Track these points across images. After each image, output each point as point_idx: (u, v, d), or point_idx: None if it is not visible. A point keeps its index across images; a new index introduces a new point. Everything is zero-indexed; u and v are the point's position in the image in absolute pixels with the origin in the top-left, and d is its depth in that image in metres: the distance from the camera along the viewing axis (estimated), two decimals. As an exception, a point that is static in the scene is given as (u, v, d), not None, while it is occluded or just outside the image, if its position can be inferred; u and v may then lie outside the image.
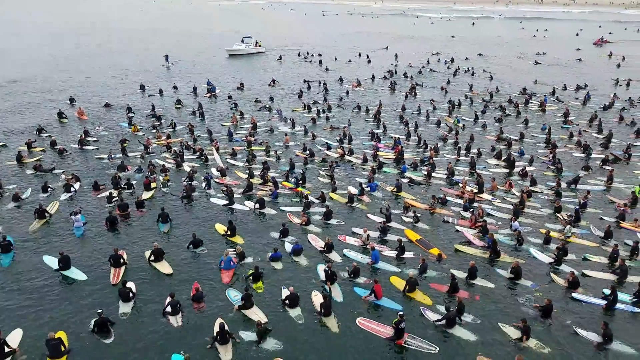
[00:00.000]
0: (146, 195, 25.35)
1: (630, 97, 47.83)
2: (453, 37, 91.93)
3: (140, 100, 46.60)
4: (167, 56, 65.59)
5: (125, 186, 26.17)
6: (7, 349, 13.92)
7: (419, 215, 23.30)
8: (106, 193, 25.03)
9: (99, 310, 15.27)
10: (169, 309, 15.82)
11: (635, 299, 16.73)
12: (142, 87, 50.97)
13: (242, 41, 79.01)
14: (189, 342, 14.75)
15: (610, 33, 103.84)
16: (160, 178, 27.33)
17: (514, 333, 15.15)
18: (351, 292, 17.41)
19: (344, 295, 17.19)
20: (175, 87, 51.45)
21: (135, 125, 37.28)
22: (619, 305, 16.54)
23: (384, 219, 22.66)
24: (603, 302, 16.73)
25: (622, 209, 23.79)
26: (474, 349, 14.51)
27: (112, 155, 30.65)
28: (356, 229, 22.09)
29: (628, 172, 29.50)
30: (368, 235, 20.95)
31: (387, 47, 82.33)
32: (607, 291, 17.01)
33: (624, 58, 70.02)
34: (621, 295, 16.89)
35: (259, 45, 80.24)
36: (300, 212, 23.74)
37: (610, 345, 14.61)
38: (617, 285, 17.45)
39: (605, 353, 14.51)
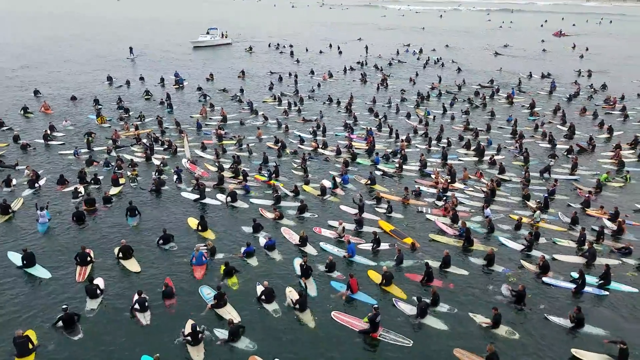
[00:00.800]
0: (114, 190, 24.68)
1: (592, 84, 49.71)
2: (423, 28, 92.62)
3: (108, 92, 45.49)
4: (131, 48, 64.02)
5: (92, 181, 25.42)
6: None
7: (392, 206, 23.38)
8: (71, 188, 24.29)
9: (64, 306, 14.86)
10: (137, 306, 15.43)
11: (601, 282, 17.19)
12: (110, 78, 49.85)
13: (208, 32, 77.82)
14: (157, 340, 14.38)
15: (573, 25, 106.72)
16: (128, 173, 26.69)
17: (482, 318, 15.34)
18: (327, 287, 17.28)
19: (319, 290, 17.04)
20: (142, 79, 50.53)
21: (102, 117, 36.31)
22: (587, 289, 16.93)
23: (358, 211, 22.69)
24: (572, 286, 17.11)
25: (586, 196, 24.43)
26: (447, 340, 14.56)
27: (78, 151, 29.74)
28: (332, 222, 21.99)
29: (592, 162, 30.26)
30: (343, 227, 20.87)
31: (359, 39, 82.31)
32: (576, 275, 17.41)
33: (587, 49, 71.76)
34: (589, 278, 17.28)
35: (225, 37, 79.04)
36: (271, 205, 23.53)
37: (581, 329, 14.90)
38: (585, 269, 17.89)
39: (576, 337, 14.78)
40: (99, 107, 39.53)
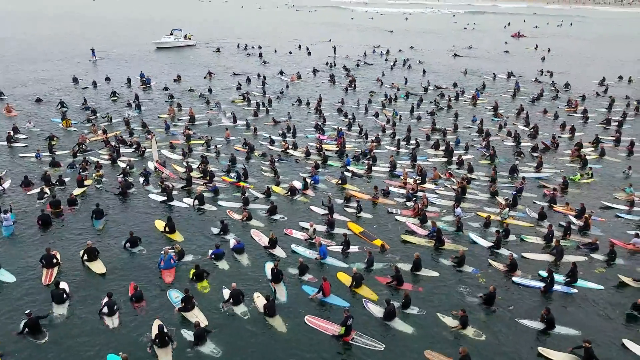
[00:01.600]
0: (78, 191, 24.11)
1: (553, 82, 51.50)
2: (392, 32, 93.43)
3: (74, 93, 44.37)
4: (93, 50, 62.04)
5: (57, 182, 24.77)
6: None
7: (361, 205, 23.45)
8: (37, 190, 23.72)
9: (27, 311, 14.46)
10: (105, 309, 15.11)
11: (568, 279, 17.57)
12: (75, 79, 48.67)
13: (171, 33, 76.58)
14: (126, 342, 14.16)
15: (536, 27, 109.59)
16: (93, 174, 26.05)
17: (451, 322, 15.46)
18: (299, 291, 17.13)
19: (290, 294, 16.86)
20: (108, 79, 49.51)
21: (68, 120, 35.33)
22: (555, 287, 17.25)
23: (328, 212, 22.69)
24: (541, 285, 17.41)
25: (551, 193, 25.02)
26: (418, 343, 14.61)
27: (40, 154, 28.88)
28: (303, 224, 21.89)
29: (556, 160, 31.00)
30: (314, 229, 20.79)
31: (329, 40, 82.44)
32: (545, 274, 17.76)
33: (549, 50, 73.59)
34: (557, 277, 17.60)
35: (189, 38, 77.92)
36: (240, 207, 23.31)
37: (552, 330, 15.13)
38: (553, 266, 18.23)
39: (543, 336, 15.02)
40: (65, 109, 38.47)
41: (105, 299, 15.37)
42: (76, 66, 56.35)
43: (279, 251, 19.53)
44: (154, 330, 14.11)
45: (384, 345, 14.39)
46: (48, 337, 14.20)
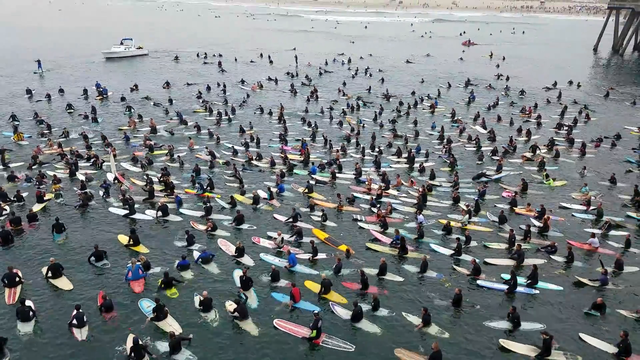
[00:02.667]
0: (38, 207, 23.45)
1: (507, 86, 53.93)
2: (353, 42, 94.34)
3: (27, 106, 42.95)
4: (39, 61, 59.18)
5: (15, 199, 23.99)
6: None
7: (326, 213, 23.68)
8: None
9: None
10: (74, 321, 14.89)
11: (529, 281, 18.27)
12: (29, 91, 46.92)
13: (121, 43, 74.19)
14: (97, 356, 14.01)
15: (490, 34, 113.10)
16: (51, 188, 25.45)
17: (415, 320, 15.94)
18: (268, 297, 17.29)
19: (260, 300, 17.04)
20: (62, 91, 47.99)
21: (19, 134, 34.18)
22: (518, 289, 17.93)
23: (291, 219, 22.85)
24: (505, 287, 18.05)
25: (511, 195, 25.85)
26: (387, 343, 15.00)
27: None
28: (270, 233, 21.98)
29: (515, 162, 32.14)
30: (282, 238, 20.92)
31: (294, 48, 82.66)
32: (507, 276, 18.42)
33: (504, 58, 75.96)
34: (519, 279, 18.29)
35: (141, 48, 75.75)
36: (201, 216, 23.34)
37: (518, 328, 15.73)
38: (516, 270, 18.83)
39: (505, 332, 15.66)
40: (17, 123, 37.21)
41: (74, 312, 15.13)
42: (23, 79, 54.23)
43: (246, 259, 19.58)
44: (129, 344, 13.94)
45: (354, 346, 14.71)
46: (9, 356, 13.84)
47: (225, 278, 18.42)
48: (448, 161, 31.89)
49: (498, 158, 31.83)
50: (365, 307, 16.37)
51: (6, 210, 22.75)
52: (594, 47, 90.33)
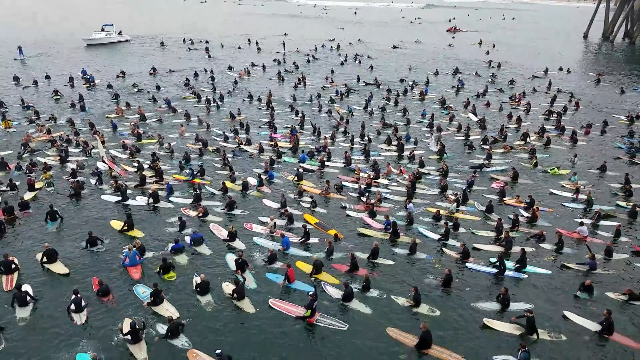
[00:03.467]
0: (30, 195, 23.45)
1: (493, 73, 54.16)
2: (342, 29, 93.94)
3: (14, 93, 42.59)
4: (20, 47, 58.14)
5: (8, 187, 23.91)
6: None
7: (315, 200, 24.00)
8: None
9: None
10: (72, 306, 15.15)
11: (518, 265, 18.75)
12: (16, 78, 46.57)
13: (102, 29, 72.54)
14: (95, 340, 14.22)
15: (480, 19, 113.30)
16: (41, 176, 25.43)
17: (405, 302, 16.39)
18: (264, 279, 17.65)
19: (256, 281, 17.41)
20: (48, 77, 47.53)
21: (7, 121, 33.88)
22: (507, 272, 18.40)
23: (279, 205, 23.20)
24: (494, 270, 18.52)
25: (501, 185, 26.10)
26: (379, 322, 15.47)
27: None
28: (263, 218, 22.25)
29: (505, 151, 32.21)
30: (275, 223, 21.22)
31: (285, 34, 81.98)
32: (495, 260, 18.86)
33: (494, 45, 75.73)
34: (507, 264, 18.73)
35: (122, 34, 74.15)
36: (190, 203, 23.58)
37: (508, 309, 16.22)
38: (504, 256, 19.19)
39: (493, 312, 16.18)
40: (4, 110, 36.89)
41: (73, 297, 15.35)
42: (4, 64, 53.66)
43: (238, 243, 19.92)
44: (126, 328, 14.19)
45: (347, 325, 15.14)
46: (3, 343, 14.04)
47: (218, 260, 18.78)
48: (433, 149, 32.07)
49: (487, 147, 31.92)
50: (355, 287, 16.80)
51: None
52: (584, 34, 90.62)
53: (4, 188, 23.95)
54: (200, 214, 22.16)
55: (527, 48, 75.88)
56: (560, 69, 58.37)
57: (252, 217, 22.51)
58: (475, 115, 39.88)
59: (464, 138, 34.61)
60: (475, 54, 69.82)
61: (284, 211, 22.74)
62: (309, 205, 23.73)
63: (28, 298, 15.58)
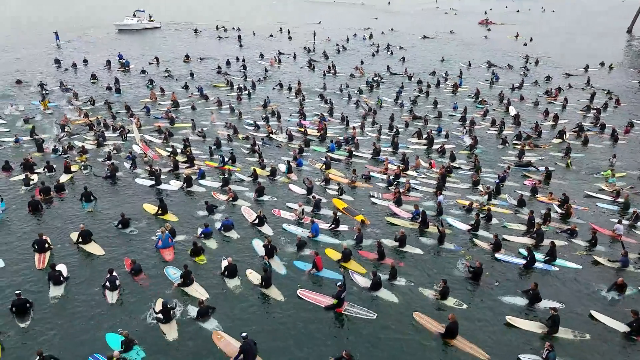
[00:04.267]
0: (65, 177, 24.16)
1: (525, 66, 52.34)
2: (376, 18, 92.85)
3: (53, 75, 43.90)
4: (56, 33, 59.08)
5: (46, 169, 24.66)
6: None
7: (342, 188, 24.12)
8: (21, 176, 23.68)
9: (17, 292, 14.78)
10: (107, 284, 15.61)
11: (547, 257, 18.49)
12: (57, 61, 47.98)
13: (134, 15, 72.97)
14: (126, 320, 14.62)
15: (517, 11, 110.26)
16: (76, 158, 26.26)
17: (431, 294, 16.29)
18: (291, 266, 17.82)
19: (284, 268, 17.58)
20: (86, 61, 48.72)
21: (45, 102, 34.94)
22: (536, 265, 18.14)
23: (306, 193, 23.38)
24: (522, 262, 18.30)
25: (533, 183, 25.63)
26: (406, 311, 15.44)
27: (20, 138, 28.73)
28: (291, 204, 22.46)
29: (539, 148, 31.58)
30: (303, 209, 21.39)
31: (320, 22, 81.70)
32: (524, 252, 18.63)
33: (531, 39, 73.31)
34: (537, 256, 18.47)
35: (152, 20, 74.71)
36: (219, 187, 23.94)
37: (537, 303, 15.95)
38: (534, 249, 18.92)
39: (520, 307, 15.95)
40: (45, 91, 38.07)
41: (107, 275, 15.82)
42: (44, 49, 55.11)
43: (266, 228, 20.14)
44: (158, 307, 14.60)
45: (376, 314, 15.17)
46: (36, 320, 14.48)
47: (246, 246, 19.03)
48: (467, 143, 31.66)
49: (520, 143, 31.26)
50: (382, 276, 16.78)
51: (33, 180, 23.40)
52: (628, 29, 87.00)
53: (42, 170, 24.68)
54: (230, 199, 22.51)
55: (566, 42, 73.30)
56: (602, 64, 55.98)
57: (280, 204, 22.73)
58: (508, 110, 38.95)
59: (497, 133, 34.04)
60: (512, 47, 68.04)
61: (312, 197, 22.91)
62: (336, 193, 23.86)
63: (62, 277, 16.03)
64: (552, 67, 54.84)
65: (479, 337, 14.48)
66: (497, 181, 25.56)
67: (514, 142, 32.26)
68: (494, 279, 17.40)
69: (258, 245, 18.77)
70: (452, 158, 28.87)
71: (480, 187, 25.24)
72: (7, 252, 17.87)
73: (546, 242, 19.53)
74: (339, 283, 15.67)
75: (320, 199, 22.49)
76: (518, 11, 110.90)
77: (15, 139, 28.54)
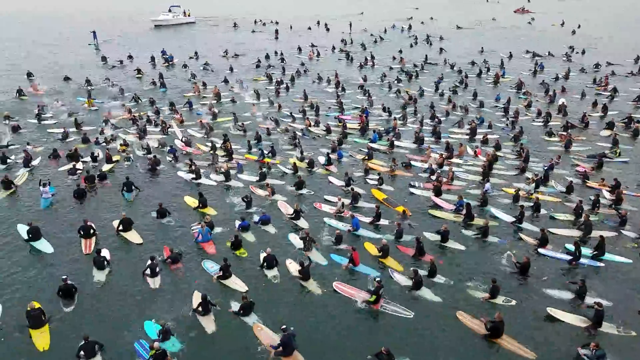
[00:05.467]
0: (107, 167, 24.90)
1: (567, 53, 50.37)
2: (417, 8, 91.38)
3: (101, 72, 45.24)
4: (94, 32, 59.45)
5: (91, 159, 25.56)
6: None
7: (382, 177, 23.80)
8: (68, 166, 24.57)
9: (64, 277, 15.22)
10: (148, 271, 15.94)
11: (595, 252, 17.64)
12: (104, 58, 49.45)
13: (170, 10, 73.63)
14: (164, 309, 14.83)
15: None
16: (117, 148, 27.12)
17: (480, 293, 15.71)
18: (329, 259, 17.65)
19: (322, 261, 17.45)
20: (130, 57, 49.87)
21: (90, 100, 35.95)
22: (582, 260, 17.38)
23: (345, 185, 23.20)
24: (568, 257, 17.56)
25: (584, 169, 24.75)
26: (448, 310, 14.97)
27: (68, 131, 29.58)
28: (329, 197, 22.35)
29: (586, 139, 30.30)
30: (342, 203, 21.18)
31: (362, 12, 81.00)
32: (572, 247, 17.83)
33: (579, 26, 70.64)
34: (584, 250, 17.70)
35: (188, 15, 75.10)
36: (256, 181, 23.97)
37: (583, 301, 15.27)
38: (580, 242, 18.15)
39: (572, 305, 15.30)
40: (91, 87, 39.21)
41: (149, 262, 16.19)
42: (82, 49, 56.28)
43: (302, 222, 20.05)
44: (196, 300, 14.70)
45: (413, 313, 14.79)
46: (80, 305, 14.94)
47: (282, 239, 19.01)
48: (511, 135, 30.69)
49: (564, 134, 30.06)
50: (422, 272, 16.36)
51: (80, 170, 24.31)
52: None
53: (87, 159, 25.59)
54: (269, 194, 22.48)
55: (617, 31, 69.89)
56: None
57: (319, 197, 22.57)
58: (552, 102, 37.45)
59: (542, 124, 32.86)
60: (557, 35, 65.58)
61: (350, 190, 22.67)
62: (375, 183, 23.57)
63: (105, 262, 16.55)
64: (599, 56, 52.30)
65: (525, 334, 13.95)
66: (546, 167, 24.74)
67: (560, 132, 30.98)
68: (542, 273, 16.73)
69: (295, 239, 18.69)
70: (498, 147, 28.01)
71: (528, 174, 24.41)
72: (56, 238, 18.47)
73: (595, 233, 18.68)
74: (378, 279, 15.38)
75: (358, 193, 22.21)
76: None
77: (63, 132, 29.36)
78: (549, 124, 32.39)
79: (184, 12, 75.30)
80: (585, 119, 32.74)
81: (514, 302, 15.26)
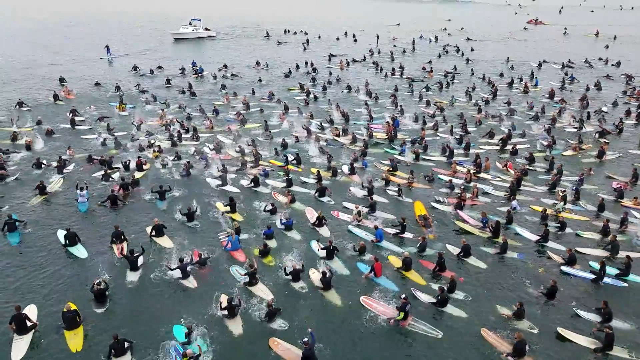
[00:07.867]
0: (138, 174, 25.39)
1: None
2: (449, 20, 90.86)
3: (131, 79, 46.23)
4: (108, 47, 57.79)
5: (123, 167, 26.11)
6: (28, 324, 14.17)
7: (402, 189, 23.80)
8: (101, 172, 25.14)
9: (97, 281, 15.74)
10: (177, 272, 16.56)
11: (619, 272, 17.26)
12: (135, 67, 50.40)
13: (190, 24, 73.16)
14: (192, 313, 15.13)
15: (592, 11, 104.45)
16: (149, 155, 27.65)
17: (504, 314, 15.45)
18: (354, 268, 17.73)
19: (345, 271, 17.55)
20: (160, 67, 50.86)
21: (122, 105, 36.89)
22: (605, 279, 17.03)
23: (367, 194, 23.21)
24: (591, 276, 17.24)
25: (620, 186, 24.05)
26: (473, 329, 14.82)
27: (103, 137, 30.31)
28: (347, 204, 22.56)
29: (619, 146, 29.94)
30: (359, 211, 21.26)
31: (398, 24, 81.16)
32: (596, 265, 17.52)
33: (615, 37, 69.28)
34: (609, 270, 17.36)
35: (208, 29, 74.21)
36: (282, 188, 24.23)
37: (609, 322, 14.92)
38: (607, 262, 17.75)
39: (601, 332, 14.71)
40: (120, 93, 40.16)
41: (178, 263, 16.80)
42: (95, 62, 55.28)
43: (324, 230, 20.21)
44: (224, 302, 15.07)
45: (442, 333, 14.60)
46: (111, 307, 15.46)
47: (306, 245, 19.20)
48: (546, 143, 30.30)
49: (603, 141, 29.76)
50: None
51: (113, 178, 24.82)
52: None
53: (119, 166, 26.16)
54: (288, 202, 22.70)
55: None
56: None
57: (338, 205, 22.75)
58: (585, 108, 37.06)
59: (576, 130, 32.45)
60: (589, 47, 64.32)
61: (370, 198, 22.71)
62: (395, 194, 23.60)
63: (139, 264, 17.16)
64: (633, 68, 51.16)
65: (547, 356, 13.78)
66: (575, 187, 24.06)
67: (599, 139, 30.66)
68: (571, 299, 16.36)
69: (317, 247, 18.84)
70: (531, 159, 27.65)
71: (558, 190, 23.95)
72: (91, 243, 19.07)
73: (622, 254, 18.25)
74: (403, 295, 15.30)
75: (376, 202, 22.28)
76: (592, 12, 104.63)
77: (96, 137, 30.24)
78: (582, 130, 32.13)
79: (205, 27, 74.43)
80: (620, 124, 32.32)
81: (536, 330, 14.90)
